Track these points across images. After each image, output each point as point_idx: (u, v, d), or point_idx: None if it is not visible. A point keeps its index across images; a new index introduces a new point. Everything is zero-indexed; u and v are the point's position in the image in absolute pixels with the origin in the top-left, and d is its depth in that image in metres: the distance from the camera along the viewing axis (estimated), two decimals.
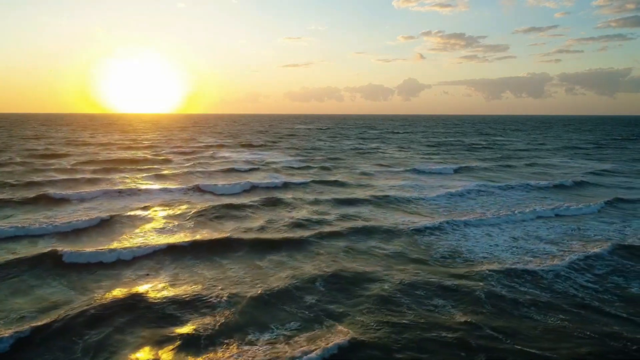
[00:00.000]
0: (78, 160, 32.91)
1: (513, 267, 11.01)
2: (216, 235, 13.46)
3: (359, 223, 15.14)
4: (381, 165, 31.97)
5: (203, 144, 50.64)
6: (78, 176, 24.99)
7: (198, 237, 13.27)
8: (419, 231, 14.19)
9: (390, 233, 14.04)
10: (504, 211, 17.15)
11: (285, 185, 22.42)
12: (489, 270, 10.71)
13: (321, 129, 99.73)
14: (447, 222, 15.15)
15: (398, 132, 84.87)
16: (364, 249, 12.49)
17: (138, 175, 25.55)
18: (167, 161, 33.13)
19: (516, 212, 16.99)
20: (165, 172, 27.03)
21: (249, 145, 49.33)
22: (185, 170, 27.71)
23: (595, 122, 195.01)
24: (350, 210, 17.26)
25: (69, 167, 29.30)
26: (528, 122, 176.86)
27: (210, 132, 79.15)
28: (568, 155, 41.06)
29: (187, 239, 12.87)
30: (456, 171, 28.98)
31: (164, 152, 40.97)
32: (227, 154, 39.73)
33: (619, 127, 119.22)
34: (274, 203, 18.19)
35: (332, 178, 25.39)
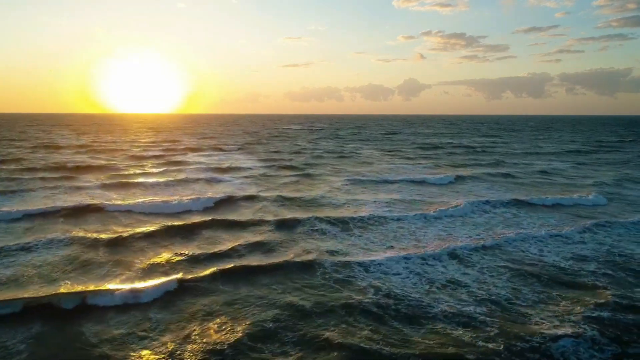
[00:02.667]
0: (23, 167, 29.37)
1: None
2: (56, 289, 9.57)
3: (269, 259, 11.45)
4: (357, 172, 28.29)
5: (177, 147, 47.19)
6: (4, 188, 21.40)
7: (29, 292, 9.45)
8: (345, 272, 10.54)
9: (300, 274, 10.38)
10: (482, 243, 13.38)
11: (223, 203, 18.53)
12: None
13: (313, 129, 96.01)
14: (390, 260, 11.36)
15: (393, 133, 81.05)
16: (241, 305, 8.90)
17: (68, 186, 21.94)
18: (118, 168, 29.43)
19: (502, 241, 13.30)
20: (104, 181, 23.37)
21: (224, 150, 45.66)
22: (128, 180, 24.00)
23: (596, 122, 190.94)
24: (280, 236, 13.55)
25: (7, 175, 25.71)
26: (529, 122, 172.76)
27: (197, 134, 75.62)
28: (576, 161, 37.25)
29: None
30: (444, 182, 25.15)
31: (126, 156, 37.41)
32: (195, 159, 36.20)
33: (621, 128, 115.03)
34: (192, 230, 14.33)
35: (291, 190, 21.72)
